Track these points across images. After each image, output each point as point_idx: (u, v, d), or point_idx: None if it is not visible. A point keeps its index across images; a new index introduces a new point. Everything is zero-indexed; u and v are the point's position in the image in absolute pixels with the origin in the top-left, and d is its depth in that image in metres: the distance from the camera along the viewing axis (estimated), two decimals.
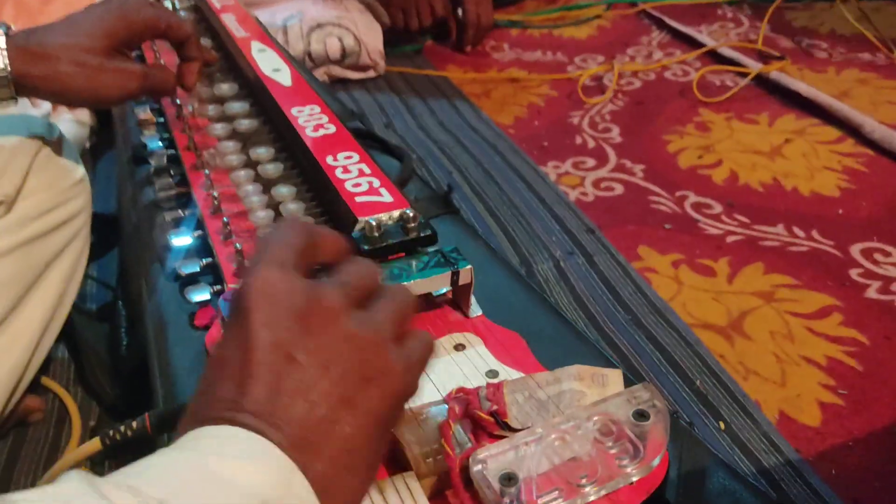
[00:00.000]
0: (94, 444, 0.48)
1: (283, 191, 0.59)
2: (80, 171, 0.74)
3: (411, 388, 0.36)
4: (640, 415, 0.40)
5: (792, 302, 0.87)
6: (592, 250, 0.95)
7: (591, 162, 1.19)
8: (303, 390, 0.32)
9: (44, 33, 0.59)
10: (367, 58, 1.41)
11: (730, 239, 0.99)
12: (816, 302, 0.87)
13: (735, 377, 0.77)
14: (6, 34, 0.57)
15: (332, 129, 0.66)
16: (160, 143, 0.79)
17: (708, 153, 1.20)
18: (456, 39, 1.65)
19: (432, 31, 1.66)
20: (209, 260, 0.63)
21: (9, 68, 0.56)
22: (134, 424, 0.48)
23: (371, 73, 1.45)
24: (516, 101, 1.41)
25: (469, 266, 0.52)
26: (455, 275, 0.51)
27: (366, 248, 0.52)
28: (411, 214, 0.53)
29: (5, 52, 0.56)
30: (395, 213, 0.54)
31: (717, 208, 1.06)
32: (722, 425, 0.70)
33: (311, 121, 0.67)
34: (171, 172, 0.75)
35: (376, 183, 0.58)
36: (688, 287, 0.90)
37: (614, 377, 0.44)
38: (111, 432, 0.48)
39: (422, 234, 0.53)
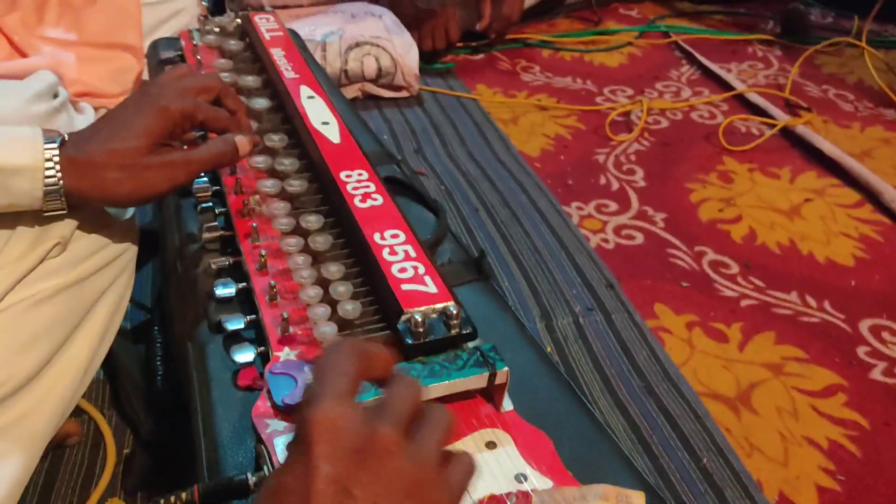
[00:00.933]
0: None
1: (333, 269, 0.62)
2: (130, 208, 0.76)
3: None
4: None
5: (799, 377, 0.91)
6: (611, 307, 0.98)
7: (613, 206, 1.22)
8: None
9: (88, 140, 0.61)
10: (402, 79, 1.44)
11: (744, 303, 1.02)
12: (823, 379, 0.91)
13: (739, 454, 0.80)
14: (59, 146, 0.59)
15: (379, 200, 0.69)
16: (205, 179, 0.81)
17: (729, 206, 1.22)
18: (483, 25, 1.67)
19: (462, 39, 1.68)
20: (253, 317, 0.66)
21: (61, 182, 0.59)
22: (183, 496, 0.52)
23: (404, 94, 1.47)
24: (544, 130, 1.44)
25: (506, 368, 0.55)
26: (492, 376, 0.54)
27: (410, 341, 0.55)
28: (455, 311, 0.56)
29: (58, 167, 0.58)
30: (439, 307, 0.58)
31: (734, 268, 1.09)
32: None
33: (359, 188, 0.70)
34: (216, 212, 0.77)
35: (421, 269, 0.61)
36: (700, 352, 0.94)
37: (637, 500, 0.48)
38: (161, 501, 0.52)
39: (463, 332, 0.56)
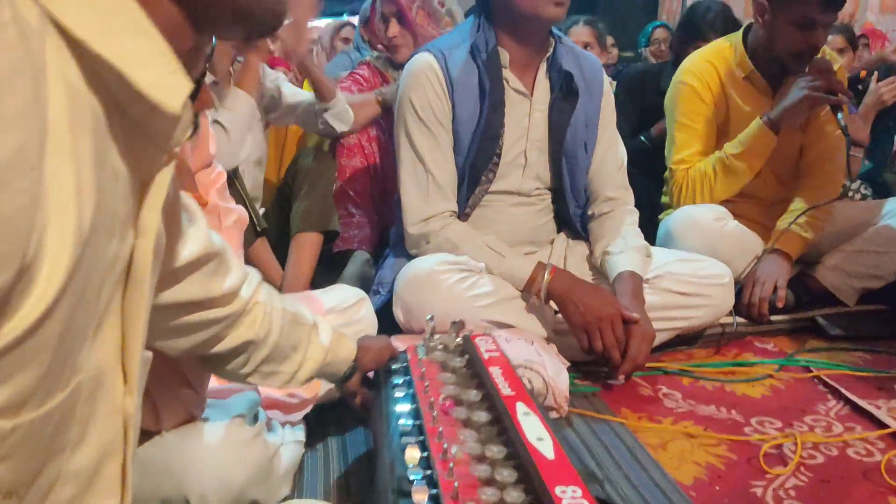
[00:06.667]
0: None
1: None
2: None
3: None
4: None
5: None
6: None
7: None
8: None
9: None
10: (553, 400, 1.50)
11: None
12: None
13: None
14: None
15: None
16: (423, 481, 0.84)
17: None
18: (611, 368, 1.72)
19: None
20: None
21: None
22: None
23: (554, 414, 1.53)
24: (694, 458, 1.44)
25: None
26: None
27: None
28: None
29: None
30: None
31: None
32: None
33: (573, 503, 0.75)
34: None
35: None
36: None
37: None
38: None
39: None
